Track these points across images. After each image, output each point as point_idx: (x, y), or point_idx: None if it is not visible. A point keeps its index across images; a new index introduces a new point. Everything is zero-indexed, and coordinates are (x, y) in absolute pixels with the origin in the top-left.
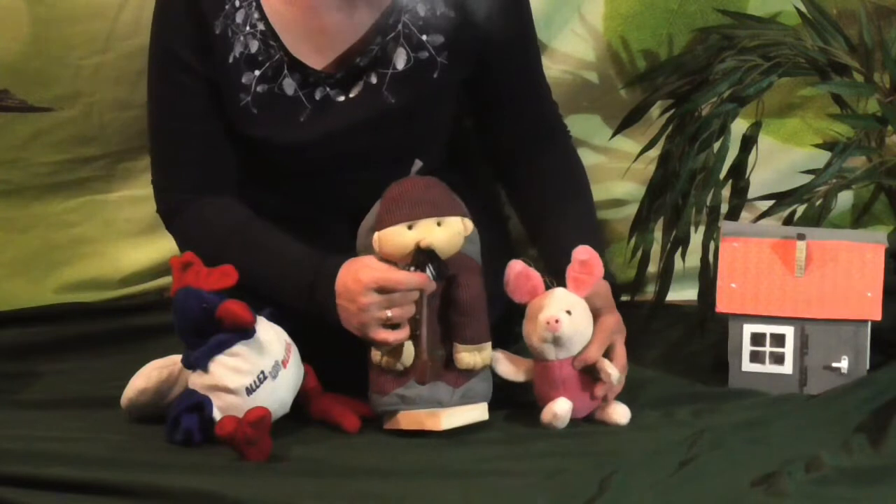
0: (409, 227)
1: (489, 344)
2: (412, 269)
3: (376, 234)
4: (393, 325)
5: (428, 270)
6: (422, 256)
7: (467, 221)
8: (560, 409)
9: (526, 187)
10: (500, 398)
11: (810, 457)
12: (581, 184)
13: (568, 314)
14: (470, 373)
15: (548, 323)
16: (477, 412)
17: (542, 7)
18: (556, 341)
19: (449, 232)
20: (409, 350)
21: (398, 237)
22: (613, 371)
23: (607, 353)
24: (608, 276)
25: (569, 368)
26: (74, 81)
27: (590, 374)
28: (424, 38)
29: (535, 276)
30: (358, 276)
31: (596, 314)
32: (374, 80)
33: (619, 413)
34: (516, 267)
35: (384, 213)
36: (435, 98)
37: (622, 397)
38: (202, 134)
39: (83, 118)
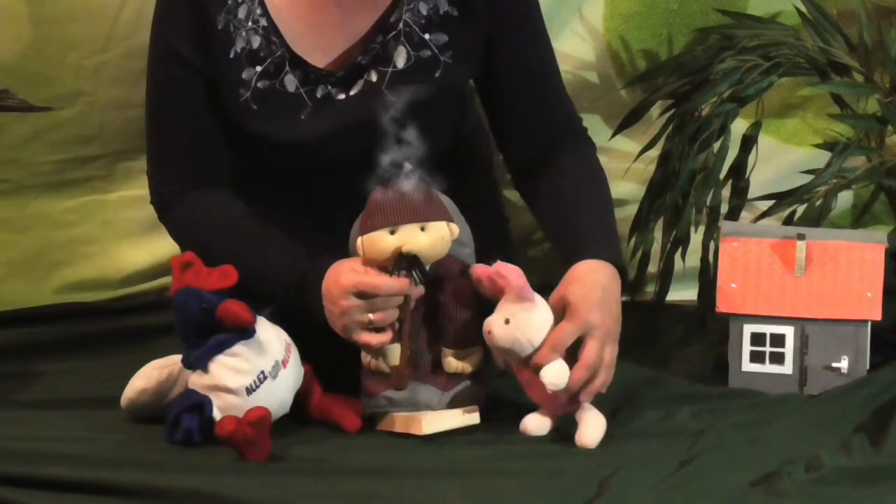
0: (391, 233)
1: (478, 349)
2: (400, 273)
3: (359, 239)
4: (377, 329)
5: (412, 275)
6: (405, 261)
7: (453, 226)
8: (529, 425)
9: (539, 191)
10: (500, 398)
11: (810, 457)
12: (599, 186)
13: (506, 323)
14: (460, 376)
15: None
16: (467, 416)
17: (543, 7)
18: (496, 350)
19: (432, 237)
20: (395, 352)
21: (380, 242)
22: (550, 380)
23: (576, 352)
24: (619, 264)
25: (528, 372)
26: (74, 81)
27: None
28: (427, 36)
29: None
30: (339, 279)
31: (567, 307)
32: (374, 78)
33: (589, 436)
34: (477, 271)
35: (367, 218)
36: (437, 98)
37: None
38: (198, 129)
39: (83, 118)
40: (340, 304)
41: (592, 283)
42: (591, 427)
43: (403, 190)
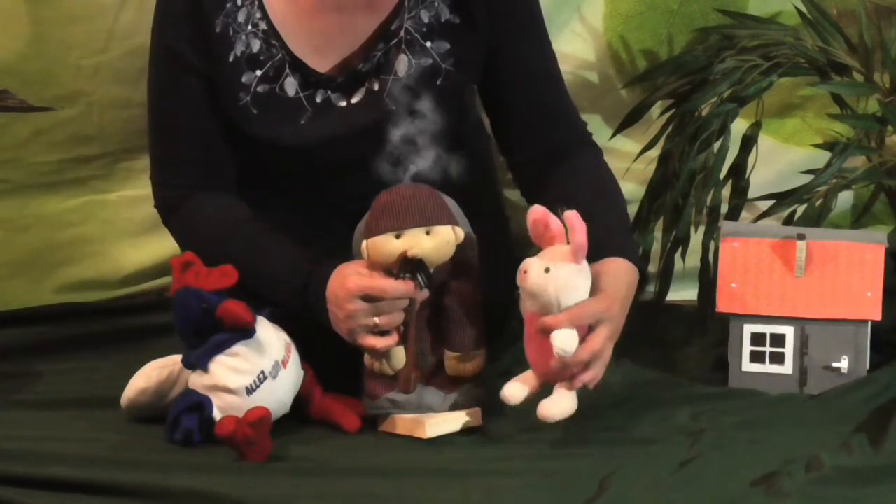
0: (397, 236)
1: (481, 352)
2: (404, 276)
3: (364, 242)
4: (382, 332)
5: (417, 279)
6: (410, 265)
7: (458, 230)
8: (507, 393)
9: (552, 197)
10: (501, 398)
11: (810, 457)
12: (610, 189)
13: (546, 271)
14: (462, 379)
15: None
16: (469, 418)
17: (543, 7)
18: (524, 291)
19: (437, 241)
20: (399, 355)
21: (385, 246)
22: (561, 345)
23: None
24: (638, 266)
25: (533, 326)
26: (74, 81)
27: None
28: (429, 44)
29: (556, 226)
30: (345, 282)
31: (598, 291)
32: (375, 86)
33: (551, 409)
34: (536, 213)
35: (372, 221)
36: (438, 105)
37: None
38: (201, 131)
39: (83, 117)
40: (346, 307)
41: (624, 280)
42: (557, 402)
43: (409, 193)
